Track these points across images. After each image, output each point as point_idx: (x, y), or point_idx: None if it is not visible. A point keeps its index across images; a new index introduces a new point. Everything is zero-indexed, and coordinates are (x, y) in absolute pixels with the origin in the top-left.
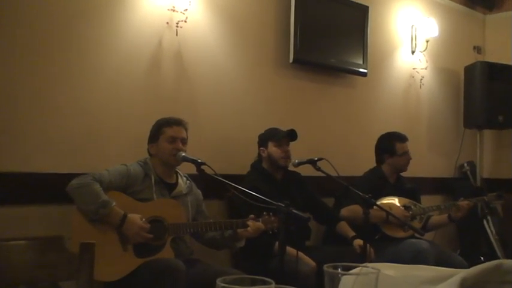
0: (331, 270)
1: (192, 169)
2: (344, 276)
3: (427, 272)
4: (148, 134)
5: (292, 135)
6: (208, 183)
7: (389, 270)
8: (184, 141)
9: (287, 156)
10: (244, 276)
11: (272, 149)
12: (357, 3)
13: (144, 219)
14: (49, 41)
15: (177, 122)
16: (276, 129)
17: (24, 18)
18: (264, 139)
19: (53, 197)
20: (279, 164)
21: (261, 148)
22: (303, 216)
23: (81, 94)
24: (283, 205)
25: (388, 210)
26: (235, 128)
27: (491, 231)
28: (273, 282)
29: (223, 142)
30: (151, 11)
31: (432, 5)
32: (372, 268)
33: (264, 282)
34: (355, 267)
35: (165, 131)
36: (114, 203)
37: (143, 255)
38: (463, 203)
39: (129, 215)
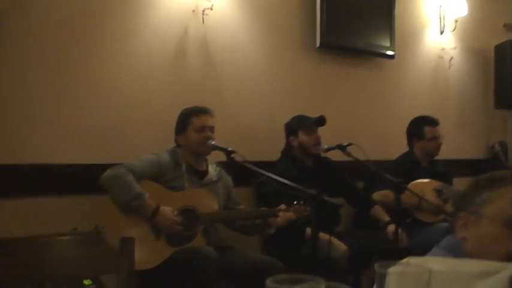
0: (382, 270)
1: (221, 156)
2: (394, 275)
3: (476, 266)
4: (174, 123)
5: (321, 121)
6: (237, 170)
7: (437, 264)
8: (212, 129)
9: (318, 143)
10: (294, 275)
11: (303, 137)
12: None
13: (175, 212)
14: (74, 33)
15: (204, 111)
16: (304, 116)
17: (49, 12)
18: (293, 128)
19: (85, 187)
20: (311, 152)
21: (291, 137)
22: (335, 203)
23: (109, 85)
24: (314, 192)
25: (420, 195)
26: (262, 115)
27: None
28: (323, 281)
29: (251, 129)
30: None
31: None
32: (421, 265)
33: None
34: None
35: (193, 121)
36: (147, 195)
37: (175, 244)
38: None
39: (161, 208)
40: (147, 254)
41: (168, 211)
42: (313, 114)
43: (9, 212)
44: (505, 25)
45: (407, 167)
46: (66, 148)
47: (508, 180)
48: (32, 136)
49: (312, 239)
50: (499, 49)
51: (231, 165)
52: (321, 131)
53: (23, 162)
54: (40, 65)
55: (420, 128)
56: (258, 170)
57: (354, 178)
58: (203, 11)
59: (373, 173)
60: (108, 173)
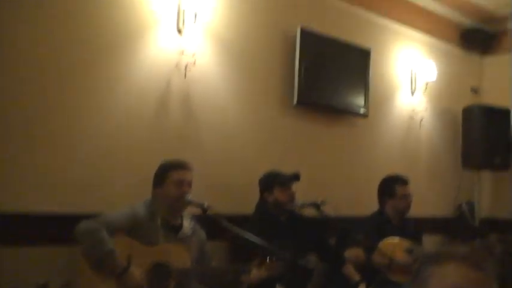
0: None
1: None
2: None
3: None
4: (153, 174)
5: (296, 177)
6: (212, 224)
7: None
8: (190, 184)
9: (292, 199)
10: None
11: (278, 194)
12: (359, 47)
13: (143, 275)
14: (55, 83)
15: (182, 165)
16: (278, 173)
17: (32, 60)
18: (267, 184)
19: (58, 238)
20: (286, 208)
21: (265, 193)
22: (308, 267)
23: (89, 135)
24: (288, 256)
25: (390, 257)
26: (239, 169)
27: None
28: None
29: (228, 182)
30: (161, 54)
31: (431, 49)
32: None
33: None
34: None
35: (171, 175)
36: (117, 254)
37: None
38: None
39: (130, 269)
40: None
41: (135, 274)
42: (289, 169)
43: None
44: (472, 89)
45: (378, 225)
46: (40, 197)
47: (452, 256)
48: (3, 183)
49: None
50: (467, 112)
51: (206, 220)
52: (295, 186)
53: None
54: (17, 113)
55: (391, 186)
56: (232, 227)
57: (327, 234)
58: (186, 66)
59: (345, 230)
60: (81, 226)
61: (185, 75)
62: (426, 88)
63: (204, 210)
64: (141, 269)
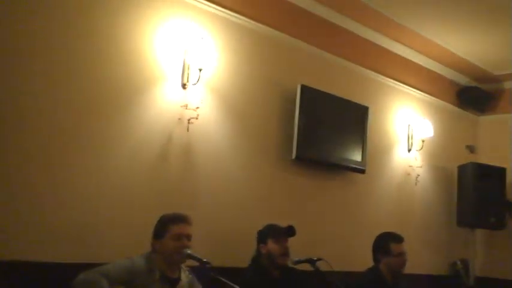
0: None
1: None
2: None
3: None
4: (152, 225)
5: (290, 231)
6: (209, 278)
7: None
8: (189, 237)
9: (286, 254)
10: None
11: (271, 246)
12: (358, 104)
13: None
14: (58, 131)
15: (183, 219)
16: (274, 225)
17: (40, 113)
18: (263, 236)
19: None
20: (278, 262)
21: (261, 245)
22: None
23: (87, 185)
24: None
25: None
26: (237, 221)
27: None
28: None
29: (225, 234)
30: (165, 107)
31: (427, 106)
32: None
33: None
34: None
35: (171, 229)
36: None
37: None
38: None
39: None
40: None
41: None
42: (286, 223)
43: None
44: (467, 147)
45: (373, 283)
46: (37, 247)
47: None
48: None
49: None
50: (462, 169)
51: (204, 274)
52: (291, 240)
53: None
54: (20, 158)
55: (386, 244)
56: (229, 283)
57: None
58: (188, 120)
59: (339, 286)
60: (81, 278)
61: (188, 128)
62: (423, 145)
63: (203, 265)
64: None
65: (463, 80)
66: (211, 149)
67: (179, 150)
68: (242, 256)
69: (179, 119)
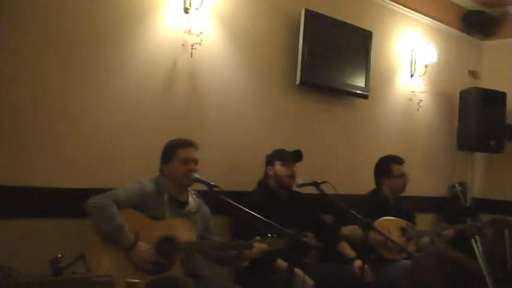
0: None
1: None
2: None
3: None
4: (160, 152)
5: (298, 155)
6: (216, 200)
7: None
8: (196, 162)
9: (292, 176)
10: None
11: (278, 167)
12: (362, 29)
13: (151, 250)
14: (67, 63)
15: (190, 144)
16: (283, 150)
17: (45, 42)
18: (271, 158)
19: (69, 211)
20: (284, 183)
21: (268, 167)
22: (313, 244)
23: (97, 112)
24: (292, 232)
25: (386, 234)
26: (242, 147)
27: (479, 251)
28: None
29: (231, 160)
30: (168, 33)
31: (431, 31)
32: None
33: None
34: None
35: (178, 153)
36: (126, 227)
37: (153, 273)
38: (448, 232)
39: (138, 243)
40: None
41: (143, 248)
42: (291, 147)
43: None
44: (470, 72)
45: (375, 204)
46: (53, 172)
47: None
48: (19, 158)
49: (288, 275)
50: (464, 94)
51: (211, 197)
52: (296, 164)
53: (8, 183)
54: (29, 90)
55: (388, 166)
56: (236, 204)
57: (323, 211)
58: (192, 45)
59: (343, 209)
60: (92, 200)
61: (191, 54)
62: (425, 70)
63: (210, 188)
64: (148, 245)
65: (468, 4)
66: (216, 75)
67: (184, 76)
68: (248, 181)
69: (183, 44)
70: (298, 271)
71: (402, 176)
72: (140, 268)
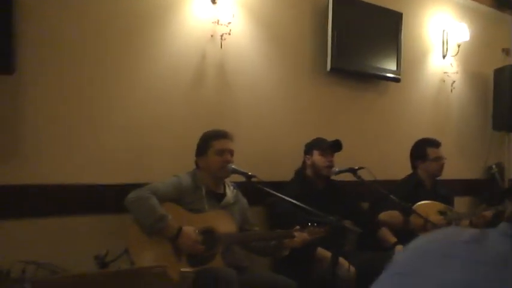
0: None
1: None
2: None
3: None
4: (194, 145)
5: (337, 146)
6: (254, 191)
7: None
8: (231, 153)
9: (330, 166)
10: None
11: (317, 157)
12: (392, 10)
13: (197, 232)
14: (101, 60)
15: (224, 135)
16: (322, 139)
17: (75, 36)
18: (309, 147)
19: (113, 207)
20: (322, 173)
21: (306, 156)
22: (356, 230)
23: (132, 109)
24: (334, 219)
25: (426, 218)
26: (275, 137)
27: None
28: None
29: (265, 151)
30: (196, 25)
31: (463, 10)
32: None
33: None
34: None
35: (213, 144)
36: (170, 217)
37: (196, 264)
38: (487, 213)
39: (183, 228)
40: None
41: (190, 231)
42: (323, 135)
43: (39, 231)
44: (503, 50)
45: (412, 189)
46: (91, 169)
47: None
48: (62, 157)
49: (332, 263)
50: (498, 73)
51: (248, 188)
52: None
53: (52, 182)
54: (70, 89)
55: (423, 149)
56: (275, 193)
57: (360, 198)
58: (221, 36)
59: (380, 194)
60: (132, 195)
61: (221, 45)
62: (458, 50)
63: (249, 178)
64: (193, 227)
65: None
66: (246, 65)
67: (214, 67)
68: (283, 171)
69: (212, 35)
70: (341, 260)
71: (438, 159)
72: (191, 253)
